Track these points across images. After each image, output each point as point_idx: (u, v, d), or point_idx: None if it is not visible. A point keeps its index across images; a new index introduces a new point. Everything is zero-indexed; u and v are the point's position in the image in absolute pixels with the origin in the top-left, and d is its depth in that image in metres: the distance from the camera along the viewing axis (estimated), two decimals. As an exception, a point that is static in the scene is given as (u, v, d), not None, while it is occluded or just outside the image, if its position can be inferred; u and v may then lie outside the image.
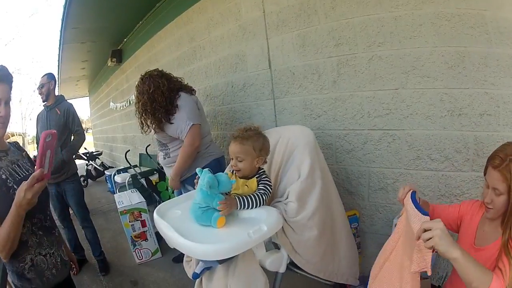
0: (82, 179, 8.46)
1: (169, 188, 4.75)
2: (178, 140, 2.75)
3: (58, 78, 9.20)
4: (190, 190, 2.64)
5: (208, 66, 3.92)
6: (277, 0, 2.87)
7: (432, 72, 2.15)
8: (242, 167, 1.76)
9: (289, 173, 1.95)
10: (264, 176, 1.80)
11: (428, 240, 1.15)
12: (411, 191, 1.58)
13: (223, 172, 1.83)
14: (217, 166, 2.83)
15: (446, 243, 1.12)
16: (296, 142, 2.05)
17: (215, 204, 1.58)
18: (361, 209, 2.63)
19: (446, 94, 2.12)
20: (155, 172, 4.88)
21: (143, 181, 4.68)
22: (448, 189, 2.20)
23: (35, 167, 1.27)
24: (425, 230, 1.17)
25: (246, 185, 1.79)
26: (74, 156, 3.62)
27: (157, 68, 2.88)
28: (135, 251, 3.62)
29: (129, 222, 3.58)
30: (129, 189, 4.67)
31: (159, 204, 1.95)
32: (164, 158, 2.88)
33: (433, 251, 1.19)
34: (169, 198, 4.25)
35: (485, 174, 1.41)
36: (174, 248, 1.61)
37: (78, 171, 3.61)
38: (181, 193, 2.82)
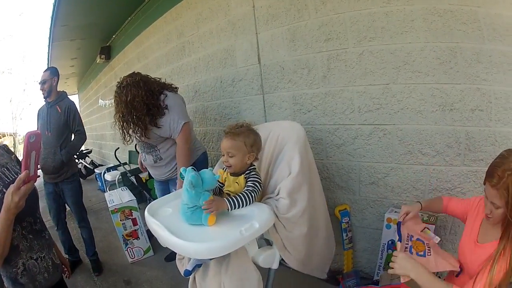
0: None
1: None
2: (169, 140, 2.73)
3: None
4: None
5: (197, 62, 3.89)
6: (266, -5, 2.85)
7: (423, 68, 2.15)
8: (233, 162, 1.75)
9: (280, 169, 1.94)
10: (254, 173, 1.78)
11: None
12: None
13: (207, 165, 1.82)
14: (205, 160, 2.90)
15: (402, 270, 1.41)
16: (287, 138, 2.04)
17: (201, 202, 1.56)
18: (352, 203, 2.63)
19: (437, 90, 2.13)
20: (145, 170, 4.85)
21: (133, 178, 4.66)
22: (439, 183, 2.21)
23: (21, 168, 1.25)
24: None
25: (236, 182, 1.78)
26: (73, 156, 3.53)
27: (134, 72, 2.76)
28: (127, 250, 3.60)
29: (120, 220, 3.55)
30: (119, 187, 4.65)
31: (149, 201, 1.93)
32: (155, 161, 2.82)
33: None
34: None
35: (484, 184, 1.42)
36: (166, 247, 1.59)
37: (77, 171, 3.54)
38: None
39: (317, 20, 2.53)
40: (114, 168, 6.07)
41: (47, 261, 1.52)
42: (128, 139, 2.73)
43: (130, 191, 4.04)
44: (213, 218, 1.58)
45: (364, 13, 2.30)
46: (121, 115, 2.63)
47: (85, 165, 8.86)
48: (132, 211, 3.61)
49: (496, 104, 2.00)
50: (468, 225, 1.62)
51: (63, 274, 1.69)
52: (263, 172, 2.11)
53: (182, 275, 1.86)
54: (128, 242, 3.59)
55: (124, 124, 2.65)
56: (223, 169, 1.84)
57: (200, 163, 2.86)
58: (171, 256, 3.41)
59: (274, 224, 1.70)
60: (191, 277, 1.88)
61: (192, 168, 1.63)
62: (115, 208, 3.54)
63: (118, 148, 5.88)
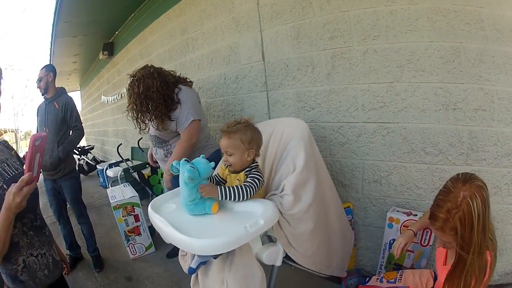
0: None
1: (161, 181, 4.75)
2: (180, 136, 2.72)
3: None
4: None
5: (201, 58, 3.89)
6: (271, -8, 2.85)
7: (427, 67, 2.15)
8: (233, 161, 1.74)
9: (284, 165, 1.94)
10: (255, 170, 1.76)
11: None
12: None
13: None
14: (218, 157, 2.79)
15: None
16: (291, 135, 2.04)
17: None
18: (355, 201, 2.63)
19: (441, 89, 2.13)
20: (147, 165, 4.85)
21: (135, 175, 4.66)
22: (442, 183, 2.16)
23: (25, 170, 1.26)
24: None
25: (237, 179, 1.78)
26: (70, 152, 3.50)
27: (147, 65, 2.74)
28: (128, 246, 3.60)
29: (122, 217, 3.55)
30: (121, 183, 4.65)
31: (151, 198, 1.93)
32: (166, 156, 2.83)
33: None
34: (162, 192, 4.25)
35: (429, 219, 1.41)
36: (168, 244, 1.59)
37: (74, 168, 3.53)
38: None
39: (321, 18, 2.53)
40: (116, 164, 6.08)
41: (48, 257, 1.52)
42: (144, 128, 2.74)
43: (133, 187, 4.05)
44: (216, 206, 1.62)
45: (369, 12, 2.30)
46: (134, 106, 2.61)
47: (87, 161, 8.86)
48: (135, 207, 3.61)
49: (499, 105, 2.00)
50: (439, 249, 1.63)
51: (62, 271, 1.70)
52: (267, 169, 2.11)
53: (185, 271, 1.86)
54: (130, 238, 3.59)
55: (139, 114, 2.64)
56: (226, 166, 1.84)
57: (213, 160, 2.81)
58: (173, 252, 3.42)
59: (278, 221, 1.70)
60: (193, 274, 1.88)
61: (185, 160, 1.64)
62: (117, 204, 3.54)
63: (121, 144, 5.87)
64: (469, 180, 1.31)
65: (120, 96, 7.02)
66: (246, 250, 1.67)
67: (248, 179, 1.72)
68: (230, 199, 1.66)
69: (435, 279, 1.73)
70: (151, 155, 3.10)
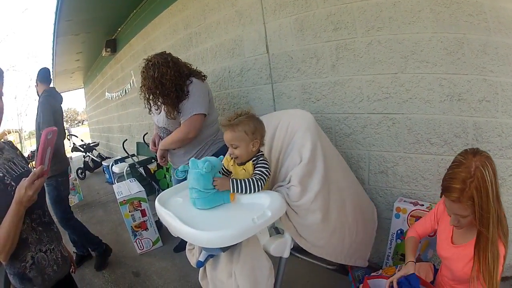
0: (80, 171, 8.45)
1: (167, 176, 4.76)
2: None
3: (52, 71, 9.17)
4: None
5: (205, 52, 3.89)
6: (274, -15, 2.84)
7: (431, 58, 2.14)
8: (239, 153, 1.75)
9: (291, 157, 1.94)
10: (261, 159, 1.77)
11: None
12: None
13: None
14: (226, 151, 2.81)
15: None
16: (297, 126, 2.04)
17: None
18: (361, 193, 2.63)
19: (445, 80, 2.12)
20: (153, 160, 4.86)
21: (141, 170, 4.67)
22: (448, 173, 2.21)
23: (36, 163, 1.29)
24: None
25: (243, 169, 1.78)
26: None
27: (164, 52, 2.75)
28: (135, 241, 3.63)
29: (129, 212, 3.57)
30: (127, 178, 4.66)
31: (158, 192, 1.94)
32: (174, 148, 2.82)
33: None
34: (168, 186, 4.27)
35: (441, 197, 1.41)
36: (175, 238, 1.60)
37: (59, 173, 3.39)
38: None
39: (325, 10, 2.52)
40: (122, 160, 6.08)
41: (56, 253, 1.53)
42: (153, 109, 2.76)
43: (139, 182, 4.06)
44: (233, 194, 1.66)
45: (372, 3, 2.29)
46: (147, 88, 2.63)
47: (92, 158, 8.89)
48: (141, 202, 3.63)
49: (503, 96, 1.99)
50: (440, 229, 1.63)
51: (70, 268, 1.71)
52: (274, 161, 2.11)
53: (193, 265, 1.88)
54: (137, 233, 3.62)
55: (151, 96, 2.65)
56: (231, 158, 1.85)
57: (222, 154, 2.82)
58: (180, 246, 3.44)
59: (286, 212, 1.71)
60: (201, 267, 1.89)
61: (193, 159, 1.68)
62: (124, 200, 3.56)
63: (126, 139, 5.88)
64: (477, 153, 1.33)
65: (124, 92, 7.03)
66: (254, 242, 1.68)
67: (256, 171, 1.73)
68: (241, 192, 1.67)
69: (435, 272, 1.73)
70: (153, 140, 2.99)
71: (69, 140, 9.02)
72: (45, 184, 3.21)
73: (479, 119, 2.06)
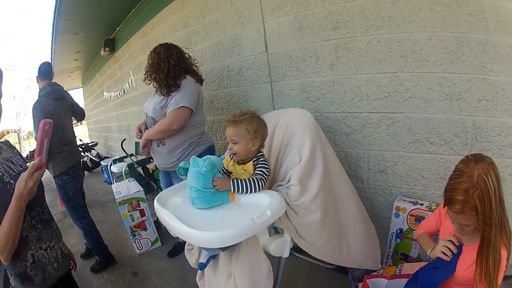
0: (76, 173, 8.40)
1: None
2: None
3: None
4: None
5: (203, 51, 3.88)
6: (273, -16, 2.84)
7: (430, 57, 2.14)
8: (237, 149, 1.75)
9: (290, 156, 1.93)
10: (262, 159, 1.78)
11: None
12: None
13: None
14: (210, 153, 2.86)
15: None
16: (296, 125, 2.04)
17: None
18: (361, 192, 2.63)
19: (445, 79, 2.12)
20: (151, 160, 4.85)
21: (140, 169, 4.67)
22: (447, 173, 2.20)
23: (34, 155, 1.30)
24: None
25: (244, 169, 1.78)
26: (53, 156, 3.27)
27: (174, 45, 2.93)
28: (134, 241, 3.62)
29: (128, 212, 3.56)
30: (126, 178, 4.66)
31: (157, 192, 1.93)
32: (158, 145, 2.84)
33: None
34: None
35: (444, 206, 1.40)
36: (174, 238, 1.60)
37: (65, 171, 3.36)
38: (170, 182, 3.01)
39: (324, 9, 2.51)
40: (121, 159, 6.08)
41: (56, 250, 1.53)
42: (148, 82, 2.91)
43: (138, 182, 4.06)
44: (232, 194, 1.66)
45: (371, 2, 2.28)
46: (150, 61, 2.85)
47: (90, 158, 8.87)
48: (140, 202, 3.62)
49: (502, 95, 1.99)
50: (443, 229, 1.62)
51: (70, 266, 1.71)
52: (273, 160, 2.11)
53: (192, 265, 1.87)
54: (135, 233, 3.61)
55: (150, 68, 2.85)
56: (230, 156, 1.85)
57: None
58: (175, 251, 3.43)
59: (285, 212, 1.71)
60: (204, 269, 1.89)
61: (193, 157, 1.68)
62: (123, 200, 3.56)
63: (125, 139, 5.87)
64: (480, 159, 1.31)
65: (122, 91, 7.02)
66: (253, 242, 1.67)
67: (257, 171, 1.73)
68: (242, 192, 1.67)
69: None
70: (139, 128, 3.02)
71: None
72: (56, 181, 3.25)
73: (479, 118, 2.06)
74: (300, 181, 1.77)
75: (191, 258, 1.96)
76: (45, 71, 3.43)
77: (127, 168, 5.19)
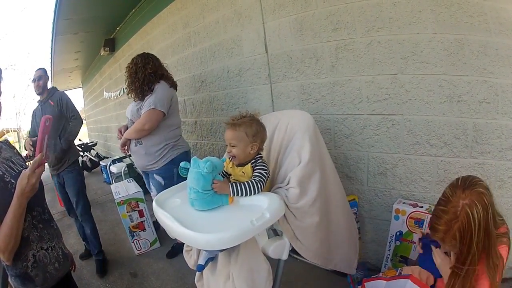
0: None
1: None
2: (152, 134, 2.94)
3: (51, 70, 9.22)
4: (159, 181, 2.97)
5: (203, 52, 3.88)
6: (273, -15, 2.83)
7: (431, 58, 2.13)
8: (236, 153, 1.75)
9: (289, 158, 1.92)
10: (260, 161, 1.77)
11: None
12: None
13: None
14: (186, 158, 3.00)
15: None
16: (296, 127, 2.02)
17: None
18: (360, 194, 2.63)
19: (445, 81, 2.11)
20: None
21: (139, 170, 4.66)
22: (447, 175, 2.20)
23: (35, 152, 1.32)
24: None
25: (242, 171, 1.77)
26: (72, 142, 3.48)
27: (152, 54, 3.14)
28: (133, 242, 3.61)
29: (127, 212, 3.56)
30: (125, 179, 4.65)
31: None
32: (135, 145, 3.00)
33: None
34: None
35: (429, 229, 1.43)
36: (172, 239, 1.59)
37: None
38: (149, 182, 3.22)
39: (324, 10, 2.51)
40: (120, 160, 6.08)
41: (57, 250, 1.53)
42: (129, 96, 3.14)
43: (136, 182, 4.05)
44: (231, 197, 1.64)
45: (372, 3, 2.28)
46: (128, 71, 3.05)
47: (90, 158, 8.87)
48: (139, 202, 3.62)
49: (503, 98, 1.99)
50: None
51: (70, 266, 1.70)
52: (272, 162, 2.10)
53: (190, 267, 1.86)
54: (134, 234, 3.60)
55: (128, 79, 3.05)
56: (229, 158, 1.84)
57: (181, 161, 2.87)
58: (173, 252, 3.43)
59: (284, 214, 1.69)
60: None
61: (195, 158, 1.68)
62: (122, 200, 3.56)
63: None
64: (468, 187, 1.30)
65: (122, 91, 7.00)
66: (252, 244, 1.66)
67: (255, 173, 1.72)
68: (241, 195, 1.66)
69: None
70: (120, 130, 3.24)
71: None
72: (72, 170, 3.33)
73: (479, 120, 2.06)
74: (300, 184, 1.75)
75: (190, 259, 1.95)
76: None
77: (126, 169, 5.18)
